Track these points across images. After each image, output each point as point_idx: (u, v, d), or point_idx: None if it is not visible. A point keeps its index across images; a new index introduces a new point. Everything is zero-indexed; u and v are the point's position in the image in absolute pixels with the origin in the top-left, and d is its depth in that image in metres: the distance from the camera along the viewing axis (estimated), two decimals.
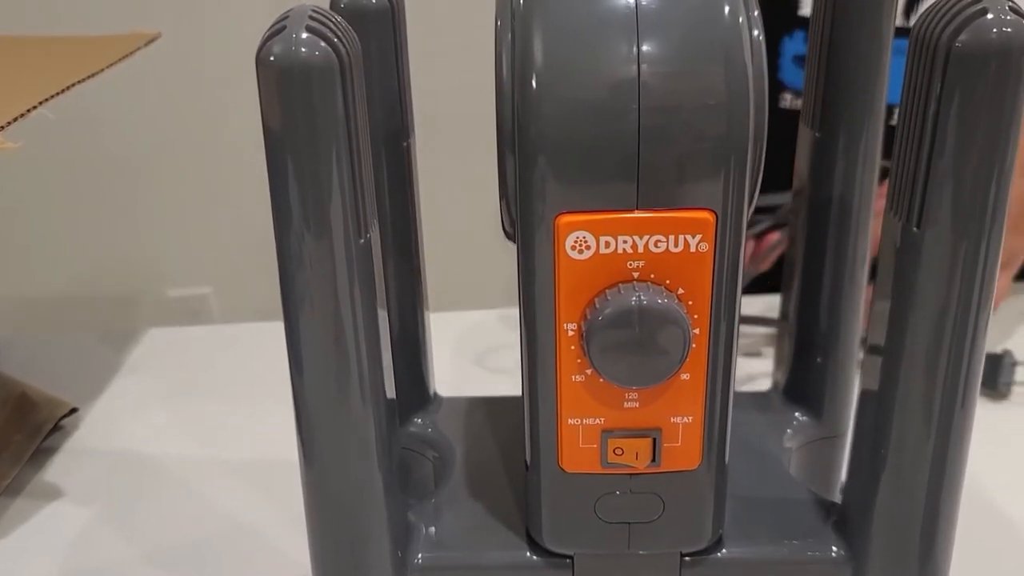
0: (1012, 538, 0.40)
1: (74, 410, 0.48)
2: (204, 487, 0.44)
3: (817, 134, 0.34)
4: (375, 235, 0.27)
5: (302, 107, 0.23)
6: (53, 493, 0.44)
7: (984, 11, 0.23)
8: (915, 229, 0.25)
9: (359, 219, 0.25)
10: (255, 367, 0.54)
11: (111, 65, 0.45)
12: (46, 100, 0.38)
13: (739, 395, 0.39)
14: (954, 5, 0.24)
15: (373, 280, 0.27)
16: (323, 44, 0.23)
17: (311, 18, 0.24)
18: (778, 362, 0.39)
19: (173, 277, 1.41)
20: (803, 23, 0.68)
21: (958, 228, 0.25)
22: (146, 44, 0.50)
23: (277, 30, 0.23)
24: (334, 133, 0.24)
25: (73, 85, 0.41)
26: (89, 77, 0.42)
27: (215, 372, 0.54)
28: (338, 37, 0.24)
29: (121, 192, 1.36)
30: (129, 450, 0.47)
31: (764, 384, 0.41)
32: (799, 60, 0.68)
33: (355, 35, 0.25)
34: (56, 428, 0.48)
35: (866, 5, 0.32)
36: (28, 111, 0.37)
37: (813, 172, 0.35)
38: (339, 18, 0.25)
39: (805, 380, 0.38)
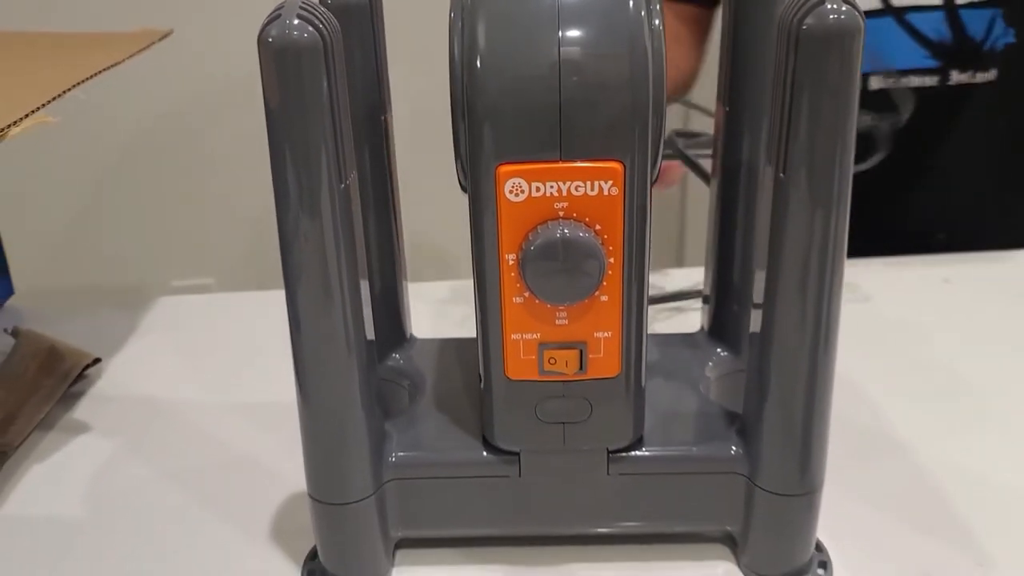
0: (870, 440, 0.46)
1: (97, 360, 0.55)
2: (211, 424, 0.50)
3: (726, 108, 0.41)
4: (354, 184, 0.34)
5: (294, 77, 0.30)
6: (81, 428, 0.50)
7: (824, 2, 0.30)
8: (781, 175, 0.32)
9: (340, 166, 0.32)
10: (255, 328, 0.61)
11: (131, 56, 0.51)
12: (78, 84, 0.44)
13: (672, 336, 0.46)
14: None
15: (352, 220, 0.33)
16: (310, 28, 0.30)
17: (301, 8, 0.30)
18: (704, 308, 0.46)
19: (177, 268, 1.48)
20: None
21: (812, 173, 0.31)
22: (160, 40, 0.56)
23: (274, 17, 0.30)
24: (319, 98, 0.31)
25: (99, 72, 0.47)
26: (113, 65, 0.49)
27: (219, 331, 0.61)
28: (323, 23, 0.30)
29: (127, 186, 1.42)
30: (145, 394, 0.53)
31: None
32: None
33: (337, 23, 0.32)
34: (81, 376, 0.54)
35: (760, 7, 0.38)
36: (63, 92, 0.44)
37: (725, 142, 0.41)
38: (324, 9, 0.31)
39: (725, 323, 0.44)
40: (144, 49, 0.53)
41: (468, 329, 0.57)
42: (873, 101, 0.64)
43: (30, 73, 0.49)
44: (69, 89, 0.44)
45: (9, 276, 0.65)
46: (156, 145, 1.40)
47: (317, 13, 0.30)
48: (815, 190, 0.32)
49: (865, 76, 0.68)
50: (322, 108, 0.31)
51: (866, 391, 0.51)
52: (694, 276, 0.59)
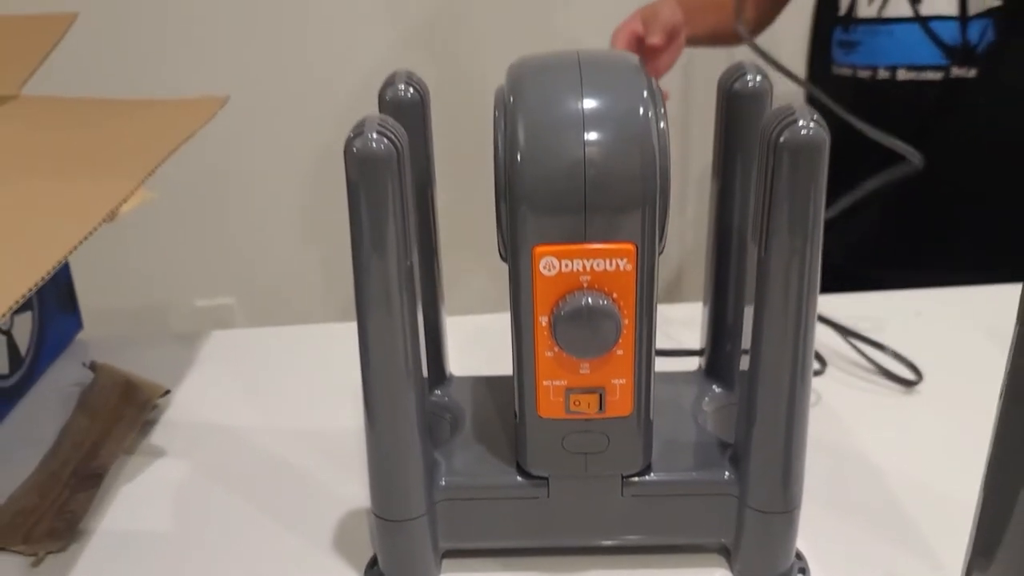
0: (841, 463, 0.54)
1: (167, 391, 0.62)
2: (270, 447, 0.58)
3: (720, 183, 0.48)
4: (415, 259, 0.41)
5: (373, 181, 0.37)
6: (158, 452, 0.58)
7: (796, 120, 0.37)
8: (763, 254, 0.39)
9: (406, 248, 0.39)
10: (306, 360, 0.68)
11: (194, 133, 0.59)
12: (166, 159, 0.52)
13: (674, 373, 0.54)
14: (781, 114, 0.38)
15: (415, 289, 0.41)
16: (386, 141, 0.37)
17: (379, 124, 0.38)
18: (703, 350, 0.53)
19: (199, 288, 1.55)
20: (842, 20, 0.95)
21: (786, 254, 0.39)
22: (220, 107, 0.64)
23: (358, 132, 0.37)
24: (391, 196, 0.38)
25: (180, 145, 0.55)
26: (189, 137, 0.56)
27: (272, 362, 0.68)
28: (395, 135, 0.38)
29: (149, 207, 1.49)
30: (211, 421, 0.61)
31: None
32: (842, 44, 0.96)
33: (404, 132, 0.39)
34: (154, 406, 0.61)
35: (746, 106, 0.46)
36: (155, 169, 0.51)
37: (719, 210, 0.49)
38: (394, 122, 0.39)
39: (719, 363, 0.52)
40: (210, 119, 0.61)
41: (492, 359, 0.64)
42: (899, 91, 0.90)
43: (116, 147, 0.57)
44: (159, 165, 0.51)
45: (79, 312, 0.72)
46: (179, 165, 1.47)
47: (390, 127, 0.38)
48: (789, 267, 0.39)
49: (894, 69, 0.90)
50: (394, 204, 0.38)
51: (842, 419, 0.58)
52: (689, 311, 0.66)
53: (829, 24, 0.97)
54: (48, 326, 0.67)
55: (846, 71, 0.95)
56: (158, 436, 0.59)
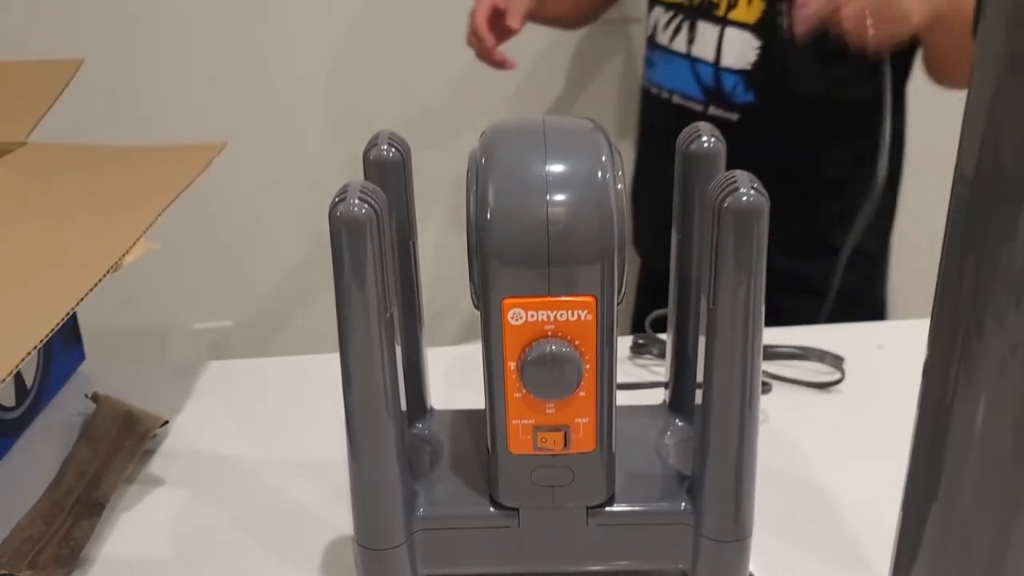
0: (788, 491, 0.57)
1: (166, 422, 0.66)
2: (263, 476, 0.61)
3: (679, 236, 0.52)
4: (395, 310, 0.45)
5: (356, 242, 0.41)
6: (157, 482, 0.61)
7: (738, 187, 0.41)
8: (711, 306, 0.43)
9: (386, 302, 0.43)
10: (298, 390, 0.71)
11: (192, 182, 0.62)
12: (166, 208, 0.56)
13: (640, 407, 0.57)
14: (724, 181, 0.42)
15: (394, 337, 0.45)
16: (367, 206, 0.41)
17: (361, 191, 0.41)
18: (666, 385, 0.57)
19: (197, 312, 1.59)
20: (648, 40, 1.11)
21: (730, 305, 0.43)
22: (218, 153, 0.67)
23: (341, 197, 0.41)
24: (371, 254, 0.42)
25: (181, 193, 0.58)
26: (188, 186, 0.60)
27: (266, 392, 0.72)
28: (375, 200, 0.42)
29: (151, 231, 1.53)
30: (207, 450, 0.64)
31: None
32: (647, 60, 1.13)
33: (383, 195, 0.43)
34: (153, 436, 0.65)
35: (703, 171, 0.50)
36: (156, 219, 0.55)
37: (678, 261, 0.53)
38: (374, 186, 0.42)
39: (681, 398, 0.55)
40: (208, 165, 0.65)
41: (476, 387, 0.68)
42: (675, 112, 1.05)
43: (120, 196, 0.61)
44: (161, 214, 0.55)
45: (82, 343, 0.76)
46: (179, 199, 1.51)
47: (370, 193, 0.42)
48: (733, 317, 0.43)
49: (672, 93, 1.06)
50: (374, 261, 0.42)
51: (798, 447, 0.62)
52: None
53: (645, 42, 1.15)
54: (53, 359, 0.71)
55: (646, 84, 1.12)
56: (157, 465, 0.63)
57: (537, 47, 1.41)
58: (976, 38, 0.34)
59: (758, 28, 0.97)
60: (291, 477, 0.61)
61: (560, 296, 0.43)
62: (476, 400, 0.56)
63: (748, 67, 0.98)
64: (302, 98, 1.46)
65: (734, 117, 1.00)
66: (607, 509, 0.48)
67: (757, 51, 0.97)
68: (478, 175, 0.44)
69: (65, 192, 0.62)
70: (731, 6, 0.97)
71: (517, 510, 0.48)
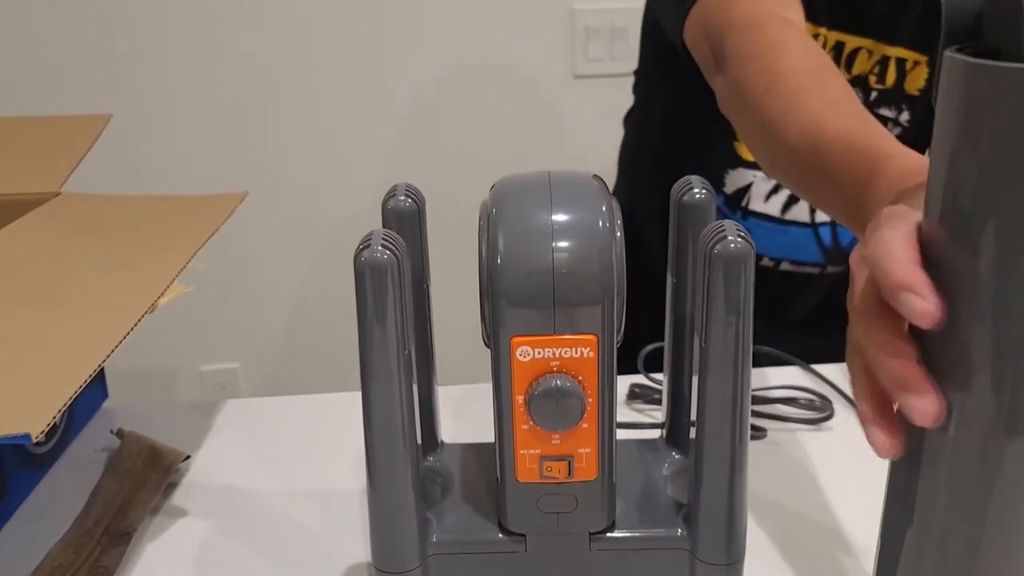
0: (780, 518, 0.61)
1: (188, 456, 0.69)
2: (282, 507, 0.64)
3: (674, 280, 0.56)
4: (412, 348, 0.49)
5: (379, 285, 0.45)
6: (180, 513, 0.64)
7: (726, 235, 0.45)
8: (704, 344, 0.47)
9: (404, 340, 0.47)
10: (312, 426, 0.75)
11: (218, 228, 0.66)
12: (179, 272, 0.59)
13: (641, 441, 0.61)
14: (714, 229, 0.46)
15: (412, 374, 0.48)
16: (388, 252, 0.45)
17: (383, 238, 0.46)
18: (663, 425, 0.60)
19: (205, 354, 1.62)
20: (730, 204, 0.99)
21: (721, 345, 0.46)
22: (240, 203, 0.72)
23: (366, 244, 0.45)
24: (392, 297, 0.46)
25: (208, 240, 0.62)
26: (213, 233, 0.64)
27: (281, 429, 0.75)
28: (395, 247, 0.46)
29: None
30: (227, 484, 0.67)
31: None
32: None
33: (404, 243, 0.47)
34: (176, 470, 0.68)
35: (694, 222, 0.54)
36: (187, 263, 0.59)
37: (674, 303, 0.57)
38: (395, 234, 0.47)
39: (678, 432, 0.59)
40: (231, 213, 0.69)
41: (471, 422, 0.71)
42: (783, 278, 0.95)
43: (151, 243, 0.65)
44: (191, 259, 0.59)
45: (105, 381, 0.79)
46: None
47: (392, 240, 0.46)
48: (724, 354, 0.47)
49: (779, 261, 0.97)
50: (394, 302, 0.46)
51: (790, 479, 0.65)
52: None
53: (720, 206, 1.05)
54: (79, 397, 0.74)
55: None
56: (180, 498, 0.66)
57: (545, 104, 1.47)
58: (936, 104, 0.38)
59: None
60: (307, 508, 0.64)
61: (564, 335, 0.47)
62: (483, 435, 0.59)
63: None
64: (314, 149, 1.51)
65: (841, 268, 0.96)
66: (608, 535, 0.51)
67: None
68: (489, 224, 0.48)
69: (99, 240, 0.66)
70: None
71: (524, 536, 0.51)
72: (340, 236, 1.57)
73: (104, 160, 0.84)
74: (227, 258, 1.55)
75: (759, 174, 0.94)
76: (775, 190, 0.94)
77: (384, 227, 0.54)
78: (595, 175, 0.51)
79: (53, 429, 0.70)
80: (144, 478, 0.66)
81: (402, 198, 0.54)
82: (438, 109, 1.51)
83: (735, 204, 0.97)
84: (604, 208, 0.48)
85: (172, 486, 0.67)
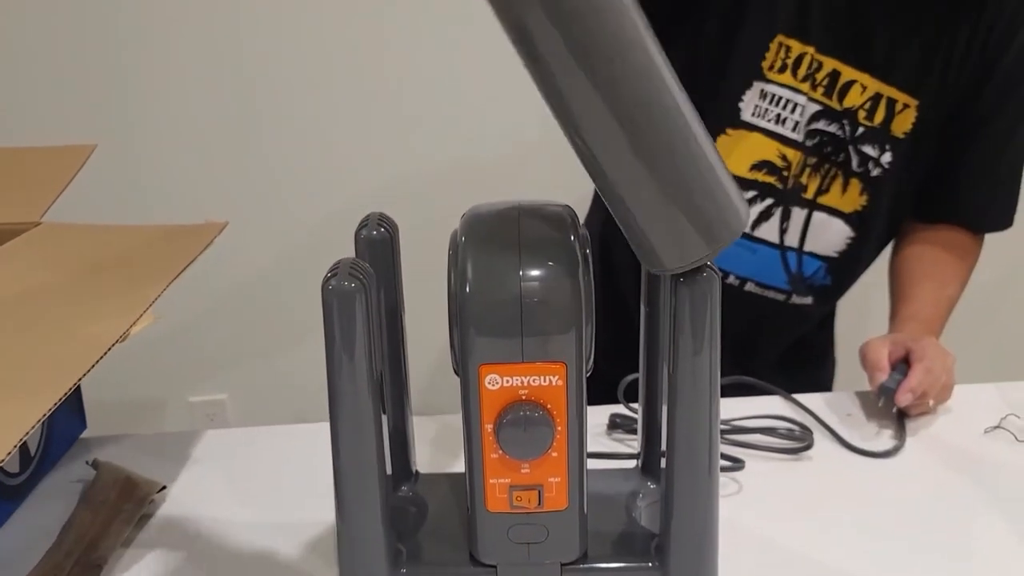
0: (754, 549, 0.60)
1: (164, 487, 0.68)
2: (255, 538, 0.64)
3: (647, 309, 0.56)
4: (383, 378, 0.48)
5: (346, 312, 0.45)
6: (153, 544, 0.64)
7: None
8: (671, 371, 0.47)
9: (373, 368, 0.47)
10: (287, 457, 0.74)
11: (196, 257, 0.66)
12: (153, 302, 0.59)
13: (616, 470, 0.60)
14: None
15: (381, 404, 0.48)
16: (356, 282, 0.45)
17: (351, 267, 0.46)
18: (640, 451, 0.60)
19: (193, 385, 1.61)
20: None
21: (688, 371, 0.46)
22: (219, 232, 0.72)
23: (333, 273, 0.45)
24: (360, 322, 0.46)
25: (183, 270, 0.63)
26: (192, 262, 0.64)
27: (258, 460, 0.74)
28: (363, 275, 0.46)
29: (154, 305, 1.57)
30: (202, 515, 0.67)
31: None
32: None
33: (372, 272, 0.47)
34: (151, 501, 0.67)
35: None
36: (162, 292, 0.59)
37: (647, 335, 0.57)
38: (364, 263, 0.47)
39: (653, 462, 0.59)
40: (210, 243, 0.69)
41: (449, 452, 0.71)
42: (749, 301, 0.93)
43: (127, 272, 0.65)
44: (166, 289, 0.59)
45: (84, 412, 0.79)
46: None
47: (360, 269, 0.46)
48: (692, 384, 0.47)
49: (744, 280, 0.93)
50: (362, 328, 0.46)
51: (767, 508, 0.65)
52: None
53: None
54: (56, 428, 0.74)
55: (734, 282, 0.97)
56: (154, 529, 0.65)
57: (522, 132, 1.48)
58: None
59: (854, 219, 0.89)
60: (282, 540, 0.64)
61: (533, 363, 0.47)
62: (460, 465, 0.59)
63: (835, 254, 0.91)
64: (294, 180, 1.52)
65: (808, 300, 0.94)
66: (580, 566, 0.51)
67: (849, 241, 0.90)
68: (458, 253, 0.49)
69: (76, 268, 0.66)
70: (821, 191, 0.89)
71: (495, 567, 0.51)
72: (325, 266, 1.57)
73: (92, 188, 0.85)
74: (214, 289, 1.55)
75: None
76: (751, 202, 0.93)
77: (356, 256, 0.54)
78: (565, 205, 0.51)
79: (28, 460, 0.70)
80: (118, 509, 0.65)
81: (375, 228, 0.54)
82: (415, 135, 1.52)
83: None
84: (572, 238, 0.48)
85: (146, 517, 0.67)
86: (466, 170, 1.53)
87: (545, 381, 0.47)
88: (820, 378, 1.05)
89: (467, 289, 0.47)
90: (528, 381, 0.47)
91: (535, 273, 0.47)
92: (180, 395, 1.62)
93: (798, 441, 0.72)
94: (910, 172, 0.89)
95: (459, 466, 0.60)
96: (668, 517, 0.50)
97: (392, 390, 0.56)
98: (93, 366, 0.50)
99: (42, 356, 0.54)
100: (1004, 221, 0.92)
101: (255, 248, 1.52)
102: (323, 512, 0.66)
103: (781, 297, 0.93)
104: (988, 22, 0.83)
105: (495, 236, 0.48)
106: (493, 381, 0.47)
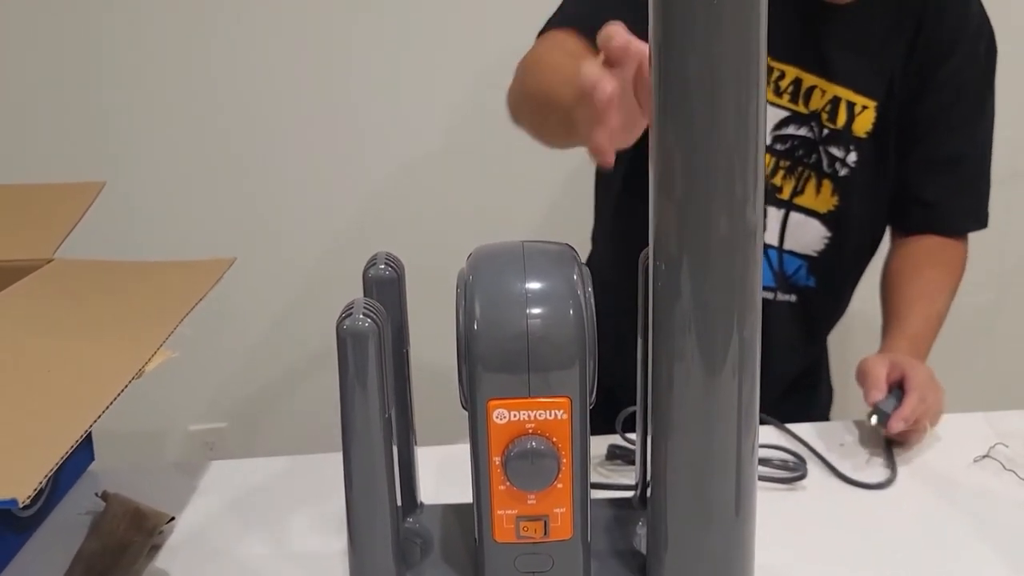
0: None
1: (172, 518, 0.70)
2: (265, 568, 0.65)
3: (644, 340, 0.58)
4: (392, 412, 0.50)
5: (360, 351, 0.47)
6: (164, 574, 0.65)
7: None
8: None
9: (385, 404, 0.49)
10: (293, 488, 0.76)
11: (206, 294, 0.68)
12: (167, 338, 0.61)
13: (613, 500, 0.62)
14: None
15: (392, 436, 0.50)
16: (370, 322, 0.47)
17: (365, 307, 0.48)
18: (637, 482, 0.62)
19: (193, 414, 1.62)
20: None
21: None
22: (228, 269, 0.74)
23: (348, 313, 0.47)
24: (373, 359, 0.48)
25: (196, 304, 0.64)
26: (202, 298, 0.66)
27: (264, 490, 0.76)
28: (376, 315, 0.48)
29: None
30: (210, 546, 0.68)
31: None
32: None
33: (384, 311, 0.49)
34: (160, 532, 0.69)
35: None
36: (174, 329, 0.61)
37: (644, 369, 0.58)
38: (376, 303, 0.49)
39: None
40: (219, 279, 0.71)
41: (451, 483, 0.72)
42: None
43: (140, 309, 0.67)
44: (178, 326, 0.61)
45: (92, 444, 0.80)
46: None
47: (373, 309, 0.48)
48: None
49: None
50: (375, 367, 0.48)
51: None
52: None
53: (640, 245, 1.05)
54: (66, 460, 0.75)
55: None
56: (164, 560, 0.67)
57: (531, 172, 1.51)
58: None
59: (830, 219, 0.93)
60: (290, 570, 0.65)
61: (539, 398, 0.49)
62: (463, 496, 0.60)
63: (814, 254, 0.94)
64: (294, 213, 1.55)
65: (792, 298, 0.97)
66: None
67: (826, 240, 0.94)
68: (466, 291, 0.51)
69: (90, 305, 0.68)
70: (797, 192, 0.92)
71: None
72: (325, 300, 1.59)
73: (98, 224, 0.86)
74: (215, 318, 1.57)
75: None
76: None
77: (364, 295, 0.56)
78: (567, 244, 0.53)
79: (38, 493, 0.71)
80: (128, 540, 0.67)
81: (382, 267, 0.56)
82: (419, 179, 1.55)
83: None
84: (575, 276, 0.50)
85: (156, 548, 0.68)
86: (467, 210, 1.56)
87: (551, 415, 0.49)
88: (816, 404, 1.07)
89: (475, 327, 0.49)
90: (534, 415, 0.49)
91: (540, 311, 0.49)
92: (180, 424, 1.63)
93: (792, 471, 0.74)
94: (877, 171, 0.93)
95: (460, 496, 0.61)
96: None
97: (399, 423, 0.58)
98: (111, 404, 0.52)
99: (58, 395, 0.55)
100: (978, 220, 0.96)
101: (255, 279, 1.53)
102: (330, 543, 0.68)
103: (769, 295, 0.96)
104: (924, 43, 0.88)
105: (501, 276, 0.50)
106: (501, 415, 0.49)
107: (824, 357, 1.08)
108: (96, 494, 0.72)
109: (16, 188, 0.87)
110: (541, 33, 0.84)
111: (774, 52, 0.89)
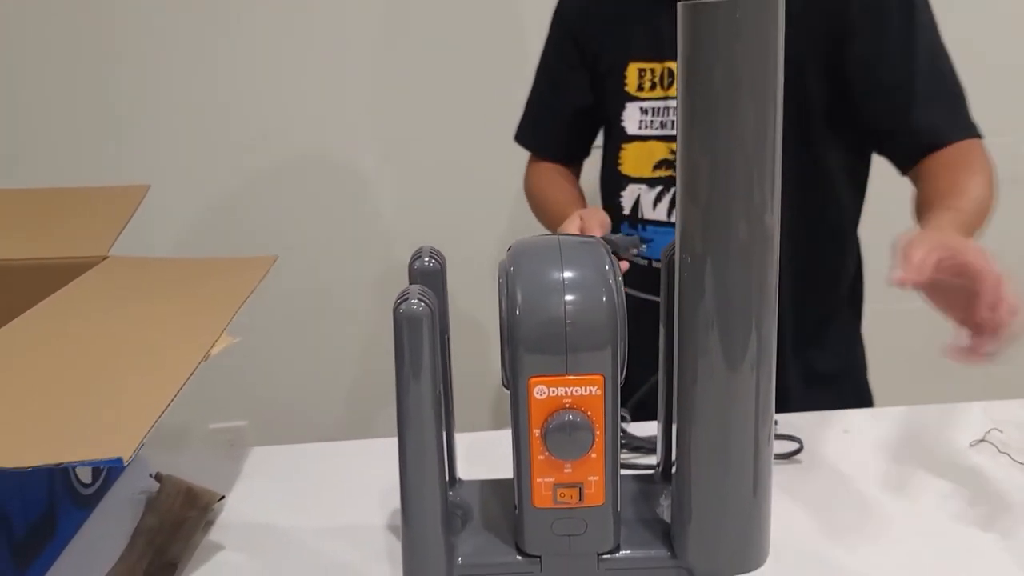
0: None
1: (223, 497, 0.75)
2: (312, 540, 0.70)
3: (666, 328, 0.63)
4: (442, 394, 0.55)
5: (415, 335, 0.52)
6: (217, 548, 0.70)
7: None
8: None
9: (436, 383, 0.54)
10: (334, 469, 0.81)
11: (255, 287, 0.73)
12: (227, 325, 0.66)
13: (638, 475, 0.67)
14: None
15: (442, 416, 0.55)
16: (424, 306, 0.52)
17: (419, 293, 0.53)
18: (659, 460, 0.67)
19: (213, 412, 1.67)
20: (627, 218, 1.03)
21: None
22: (273, 265, 0.79)
23: (404, 298, 0.53)
24: (427, 343, 0.53)
25: (248, 297, 0.70)
26: (252, 292, 0.71)
27: (304, 472, 0.81)
28: (429, 300, 0.53)
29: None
30: (260, 521, 0.73)
31: None
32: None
33: (435, 297, 0.54)
34: (212, 509, 0.74)
35: None
36: (232, 317, 0.66)
37: (666, 354, 0.64)
38: (428, 290, 0.54)
39: (671, 466, 0.66)
40: (265, 274, 0.76)
41: (482, 463, 0.77)
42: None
43: (197, 300, 0.72)
44: (235, 314, 0.66)
45: None
46: None
47: (427, 295, 0.53)
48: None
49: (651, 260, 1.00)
50: (430, 351, 0.53)
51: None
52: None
53: (616, 221, 1.04)
54: None
55: (642, 261, 1.01)
56: (217, 533, 0.72)
57: None
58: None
59: None
60: (334, 541, 0.70)
61: (575, 375, 0.54)
62: (493, 473, 0.65)
63: None
64: (315, 212, 1.60)
65: None
66: (614, 555, 0.58)
67: None
68: (508, 281, 0.56)
69: (148, 298, 0.73)
70: None
71: (539, 557, 0.57)
72: (341, 303, 1.64)
73: (145, 225, 0.91)
74: (236, 318, 1.62)
75: (643, 186, 1.00)
76: (659, 198, 0.99)
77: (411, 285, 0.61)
78: (598, 238, 0.59)
79: (98, 471, 0.76)
80: (183, 516, 0.72)
81: (427, 259, 0.62)
82: (422, 179, 1.60)
83: (634, 219, 1.02)
84: (607, 266, 0.56)
85: (210, 523, 0.73)
86: (504, 209, 1.60)
87: (586, 391, 0.54)
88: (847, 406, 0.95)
89: (518, 312, 0.54)
90: (571, 391, 0.54)
91: (576, 298, 0.54)
92: (201, 422, 1.68)
93: (790, 442, 0.78)
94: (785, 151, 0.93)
95: (493, 474, 0.66)
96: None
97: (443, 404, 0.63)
98: (190, 376, 0.57)
99: (139, 371, 0.60)
100: (958, 126, 0.91)
101: (272, 280, 1.59)
102: (372, 516, 0.73)
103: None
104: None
105: (540, 266, 0.56)
106: (541, 391, 0.54)
107: (855, 358, 1.07)
108: (150, 475, 0.77)
109: (66, 191, 0.92)
110: (520, 139, 1.12)
111: (671, 54, 0.93)
